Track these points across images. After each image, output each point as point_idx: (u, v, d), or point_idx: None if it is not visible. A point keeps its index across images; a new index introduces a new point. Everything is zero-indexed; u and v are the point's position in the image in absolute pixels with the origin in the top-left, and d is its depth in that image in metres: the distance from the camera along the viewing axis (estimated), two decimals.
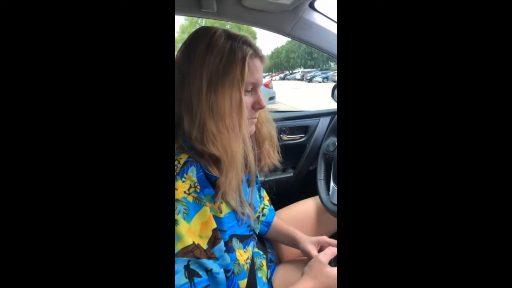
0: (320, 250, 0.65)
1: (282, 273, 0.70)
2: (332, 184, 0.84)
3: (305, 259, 0.67)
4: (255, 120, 0.56)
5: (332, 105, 1.15)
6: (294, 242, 0.69)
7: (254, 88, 0.52)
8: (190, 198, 0.44)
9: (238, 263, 0.52)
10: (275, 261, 0.74)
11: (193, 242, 0.43)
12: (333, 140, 0.94)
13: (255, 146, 0.58)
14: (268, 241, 0.79)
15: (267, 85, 6.01)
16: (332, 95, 1.07)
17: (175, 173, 0.45)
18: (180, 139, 0.50)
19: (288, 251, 0.80)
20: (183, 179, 0.44)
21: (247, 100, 0.51)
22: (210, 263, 0.44)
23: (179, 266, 0.41)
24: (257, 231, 0.69)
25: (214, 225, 0.46)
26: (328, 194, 0.84)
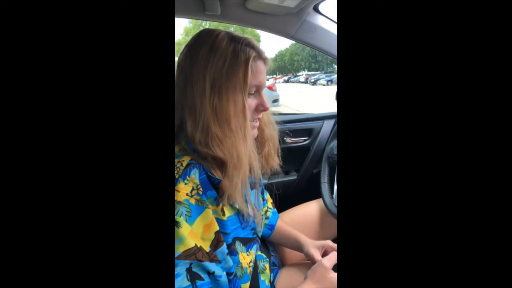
0: (324, 254, 0.64)
1: (285, 277, 0.69)
2: (336, 187, 0.84)
3: (308, 262, 0.67)
4: (258, 123, 0.56)
5: (336, 108, 1.15)
6: (297, 246, 0.69)
7: (257, 91, 0.52)
8: (192, 200, 0.44)
9: (241, 266, 0.52)
10: (278, 265, 0.74)
11: (195, 245, 0.43)
12: (336, 143, 0.93)
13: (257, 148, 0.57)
14: (271, 244, 0.78)
15: (270, 88, 6.02)
16: (336, 98, 1.07)
17: (178, 175, 0.44)
18: (183, 142, 0.50)
19: (291, 255, 0.79)
20: (186, 181, 0.44)
21: (251, 102, 0.51)
22: (212, 266, 0.44)
23: (181, 268, 0.41)
24: (260, 234, 0.69)
25: (217, 228, 0.46)
26: (332, 198, 0.83)
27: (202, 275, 0.43)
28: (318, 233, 0.83)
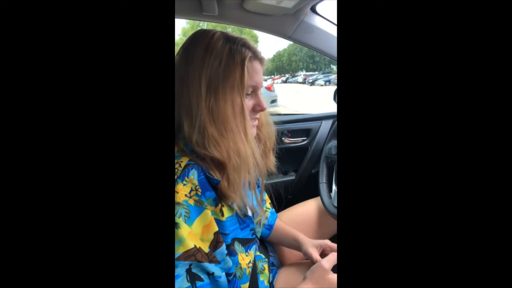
0: (322, 253, 0.64)
1: (284, 277, 0.69)
2: (334, 187, 0.84)
3: (307, 262, 0.67)
4: (256, 122, 0.56)
5: (334, 108, 1.15)
6: (296, 245, 0.69)
7: (254, 91, 0.52)
8: (191, 201, 0.44)
9: (240, 267, 0.52)
10: (277, 265, 0.74)
11: (195, 246, 0.43)
12: (335, 143, 0.94)
13: None
14: (270, 245, 0.78)
15: (269, 88, 6.01)
16: (334, 98, 1.07)
17: (176, 176, 0.44)
18: (181, 143, 0.50)
19: (290, 255, 0.79)
20: (184, 182, 0.44)
21: (248, 102, 0.51)
22: (212, 267, 0.44)
23: (181, 270, 0.41)
24: (259, 235, 0.69)
25: (216, 228, 0.46)
26: (330, 197, 0.83)
27: (202, 276, 0.43)
28: (316, 232, 0.83)
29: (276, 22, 0.90)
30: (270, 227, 0.75)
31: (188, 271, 0.42)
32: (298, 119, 1.21)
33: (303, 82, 24.60)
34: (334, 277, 0.53)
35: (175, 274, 0.41)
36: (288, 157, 1.20)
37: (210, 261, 0.44)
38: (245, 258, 0.54)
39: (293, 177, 1.21)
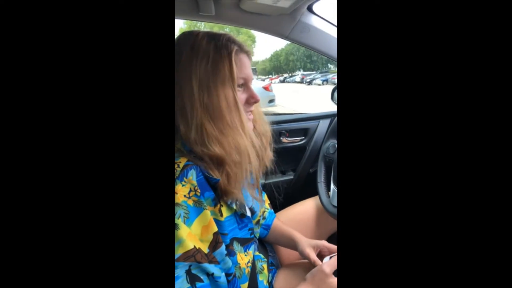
0: (319, 254, 0.64)
1: (283, 277, 0.69)
2: (332, 186, 0.84)
3: (307, 262, 0.67)
4: (252, 116, 0.56)
5: (332, 108, 1.16)
6: (292, 244, 0.69)
7: (245, 84, 0.53)
8: (190, 202, 0.44)
9: (239, 267, 0.52)
10: (276, 265, 0.74)
11: (194, 247, 0.43)
12: (333, 142, 0.94)
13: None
14: (269, 245, 0.78)
15: (266, 88, 6.00)
16: (332, 98, 1.07)
17: (175, 177, 0.44)
18: (178, 143, 0.50)
19: (289, 255, 0.79)
20: (183, 182, 0.44)
21: (241, 96, 0.52)
22: (211, 267, 0.44)
23: (181, 271, 0.41)
24: (257, 235, 0.69)
25: (215, 229, 0.46)
26: (329, 196, 0.84)
27: (202, 277, 0.43)
28: (315, 231, 0.83)
29: (273, 22, 0.90)
30: (267, 227, 0.75)
31: (188, 272, 0.42)
32: (296, 119, 1.21)
33: (301, 82, 24.64)
34: (334, 281, 0.53)
35: (175, 275, 0.41)
36: (286, 156, 1.20)
37: (210, 262, 0.44)
38: (244, 258, 0.54)
39: (292, 177, 1.21)
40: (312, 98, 10.42)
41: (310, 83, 21.21)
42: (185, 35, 0.51)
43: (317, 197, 0.86)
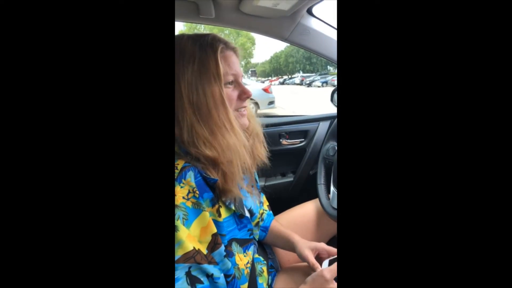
0: (317, 257, 0.64)
1: (283, 280, 0.69)
2: (332, 188, 0.84)
3: (306, 265, 0.66)
4: (246, 112, 0.57)
5: (332, 110, 1.16)
6: (290, 246, 0.68)
7: (235, 80, 0.53)
8: (189, 204, 0.44)
9: (238, 268, 0.52)
10: (276, 268, 0.74)
11: (194, 248, 0.43)
12: (332, 144, 0.94)
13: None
14: (268, 247, 0.78)
15: (266, 90, 6.01)
16: (332, 100, 1.08)
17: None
18: (175, 146, 0.50)
19: (289, 257, 0.79)
20: (181, 184, 0.44)
21: (232, 92, 0.52)
22: (211, 268, 0.44)
23: (180, 272, 0.41)
24: (256, 237, 0.69)
25: (214, 230, 0.46)
26: (329, 199, 0.83)
27: (202, 278, 0.43)
28: (315, 233, 0.83)
29: (272, 24, 0.90)
30: (265, 229, 0.74)
31: (188, 274, 0.42)
32: (295, 121, 1.21)
33: (301, 84, 24.65)
34: (334, 286, 0.53)
35: (175, 277, 0.40)
36: (286, 158, 1.20)
37: (209, 263, 0.44)
38: (243, 259, 0.54)
39: (291, 179, 1.21)
40: (311, 100, 10.44)
41: (309, 85, 21.23)
42: None
43: (317, 199, 0.86)
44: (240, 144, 0.50)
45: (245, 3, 0.78)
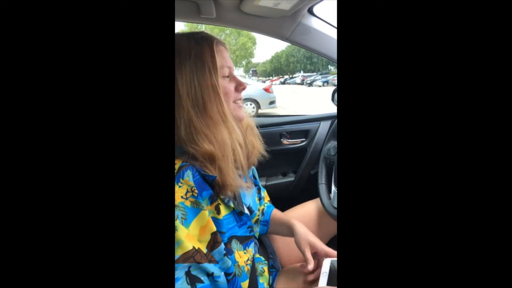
0: (315, 256, 0.63)
1: (284, 279, 0.69)
2: (333, 188, 0.84)
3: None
4: (242, 104, 0.58)
5: (333, 109, 1.16)
6: (291, 232, 0.67)
7: (230, 73, 0.54)
8: (187, 203, 0.44)
9: (238, 265, 0.52)
10: (276, 267, 0.74)
11: (193, 247, 0.43)
12: (333, 144, 0.94)
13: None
14: (269, 247, 0.78)
15: (267, 90, 6.01)
16: (332, 99, 1.07)
17: None
18: None
19: (290, 257, 0.79)
20: (180, 184, 0.44)
21: (228, 85, 0.53)
22: (211, 267, 0.44)
23: (180, 272, 0.41)
24: (257, 234, 0.69)
25: (213, 229, 0.46)
26: (330, 198, 0.84)
27: (202, 278, 0.43)
28: (316, 233, 0.82)
29: (273, 24, 0.90)
30: (266, 222, 0.74)
31: (188, 274, 0.42)
32: (296, 120, 1.21)
33: (301, 83, 24.62)
34: None
35: (175, 276, 0.40)
36: (287, 158, 1.20)
37: (209, 262, 0.44)
38: (242, 256, 0.54)
39: (292, 179, 1.21)
40: (312, 99, 10.43)
41: (310, 84, 21.20)
42: None
43: (318, 199, 0.86)
44: (235, 137, 0.50)
45: (246, 3, 0.78)
